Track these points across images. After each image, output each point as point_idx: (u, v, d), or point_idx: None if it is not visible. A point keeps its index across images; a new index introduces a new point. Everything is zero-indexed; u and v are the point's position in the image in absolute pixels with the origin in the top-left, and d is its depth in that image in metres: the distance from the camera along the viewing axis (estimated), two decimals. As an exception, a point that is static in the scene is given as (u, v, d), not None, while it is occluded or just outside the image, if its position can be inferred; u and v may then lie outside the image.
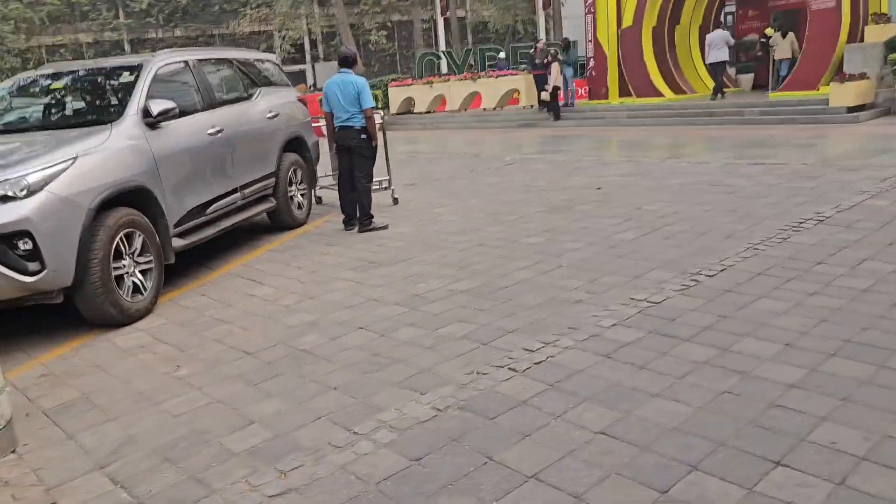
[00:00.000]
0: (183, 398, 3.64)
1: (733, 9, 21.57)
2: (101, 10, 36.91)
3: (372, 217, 7.15)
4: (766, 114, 14.34)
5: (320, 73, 33.09)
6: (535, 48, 19.03)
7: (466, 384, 3.46)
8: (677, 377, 3.34)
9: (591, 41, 18.69)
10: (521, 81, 19.57)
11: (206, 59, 6.53)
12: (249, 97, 7.02)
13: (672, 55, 18.40)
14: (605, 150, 12.25)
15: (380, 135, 7.82)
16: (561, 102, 18.54)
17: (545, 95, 17.96)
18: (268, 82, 7.56)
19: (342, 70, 7.09)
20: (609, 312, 4.24)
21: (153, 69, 5.67)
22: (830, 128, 12.56)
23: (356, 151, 7.05)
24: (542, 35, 26.30)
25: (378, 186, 8.46)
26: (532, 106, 19.32)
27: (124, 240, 4.78)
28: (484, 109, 20.71)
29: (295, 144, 7.61)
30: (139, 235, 4.91)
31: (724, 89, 16.84)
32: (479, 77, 20.60)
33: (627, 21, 17.74)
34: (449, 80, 21.51)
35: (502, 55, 22.73)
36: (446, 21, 28.59)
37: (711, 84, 19.32)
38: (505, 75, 19.96)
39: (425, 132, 20.26)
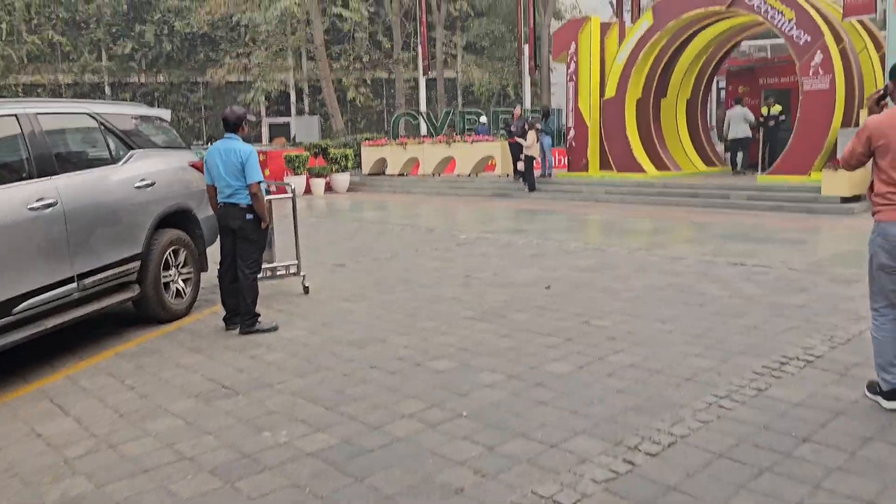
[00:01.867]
0: None
1: (724, 84, 20.78)
2: (83, 52, 36.14)
3: (256, 317, 5.78)
4: (753, 199, 13.19)
5: (298, 127, 32.15)
6: (513, 114, 18.03)
7: None
8: None
9: (572, 110, 17.70)
10: (498, 148, 18.51)
11: (51, 114, 5.25)
12: (115, 161, 5.72)
13: (657, 129, 17.41)
14: (573, 232, 11.00)
15: (268, 213, 6.50)
16: (538, 172, 17.45)
17: (521, 165, 16.88)
18: (149, 143, 6.27)
19: (227, 135, 5.79)
20: (491, 523, 2.85)
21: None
22: (823, 220, 11.38)
23: (240, 234, 5.73)
24: (527, 101, 25.46)
25: (285, 272, 7.14)
26: (508, 175, 18.21)
27: None
28: (458, 175, 19.60)
29: (178, 219, 6.29)
30: None
31: (723, 166, 16.23)
32: (453, 141, 19.54)
33: (610, 91, 16.78)
34: (423, 142, 20.46)
35: (483, 119, 21.77)
36: (429, 81, 27.80)
37: (697, 161, 18.38)
38: (481, 141, 18.90)
39: (394, 196, 19.09)
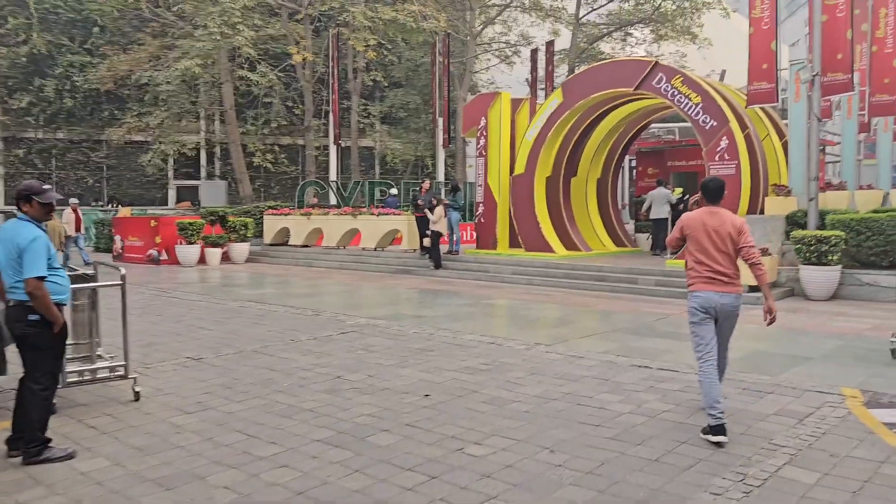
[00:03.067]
0: None
1: (634, 163, 20.82)
2: (-26, 104, 33.84)
3: (46, 443, 4.53)
4: (661, 284, 12.71)
5: (204, 192, 30.70)
6: (421, 187, 17.34)
7: None
8: None
9: (481, 186, 17.14)
10: (404, 222, 17.70)
11: None
12: None
13: (567, 208, 17.01)
14: (472, 320, 10.12)
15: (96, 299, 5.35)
16: (445, 248, 16.70)
17: (427, 241, 16.10)
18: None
19: (19, 215, 4.61)
20: None
21: None
22: (731, 310, 10.89)
23: (25, 341, 4.52)
24: (441, 174, 24.97)
25: (109, 374, 5.90)
26: (415, 250, 17.37)
27: None
28: (363, 249, 18.64)
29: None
30: None
31: (633, 246, 15.88)
32: (359, 213, 18.65)
33: (520, 168, 16.33)
34: (328, 213, 19.48)
35: (394, 191, 21.01)
36: (344, 149, 27.06)
37: (608, 241, 18.06)
38: (388, 214, 18.07)
39: (294, 270, 17.91)
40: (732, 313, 5.20)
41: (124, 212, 23.14)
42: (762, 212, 13.77)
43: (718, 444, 4.71)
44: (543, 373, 6.79)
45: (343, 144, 33.68)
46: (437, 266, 15.95)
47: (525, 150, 16.24)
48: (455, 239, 16.93)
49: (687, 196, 16.28)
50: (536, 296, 12.61)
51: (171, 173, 35.58)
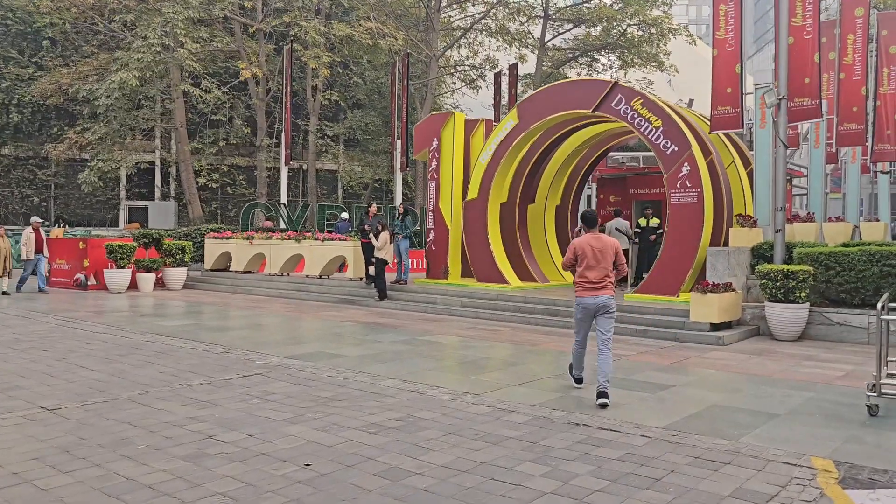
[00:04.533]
0: None
1: (594, 191, 19.97)
2: (-90, 120, 32.18)
3: None
4: (617, 320, 11.66)
5: (153, 213, 29.29)
6: (368, 212, 16.26)
7: None
8: None
9: (432, 211, 16.10)
10: (350, 249, 16.55)
11: None
12: None
13: (523, 236, 16.03)
14: (400, 361, 8.98)
15: None
16: (394, 276, 15.61)
17: (373, 269, 15.00)
18: None
19: None
20: None
21: None
22: (689, 350, 9.90)
23: None
24: (398, 198, 23.92)
25: None
26: (361, 279, 16.22)
27: None
28: (307, 276, 17.43)
29: None
30: None
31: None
32: (303, 238, 17.48)
33: (472, 192, 15.32)
34: (271, 237, 18.28)
35: (345, 215, 19.92)
36: (302, 172, 25.91)
37: (567, 273, 17.06)
38: (332, 240, 16.92)
39: (230, 298, 16.66)
40: (608, 308, 6.96)
41: (56, 233, 21.66)
42: (726, 243, 12.89)
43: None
44: (462, 432, 5.68)
45: (300, 167, 32.63)
46: (382, 296, 14.82)
47: (478, 174, 15.25)
48: (404, 267, 15.84)
49: (660, 229, 15.45)
50: (482, 331, 11.53)
51: (122, 193, 34.13)
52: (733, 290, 11.34)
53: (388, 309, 14.41)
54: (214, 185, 28.87)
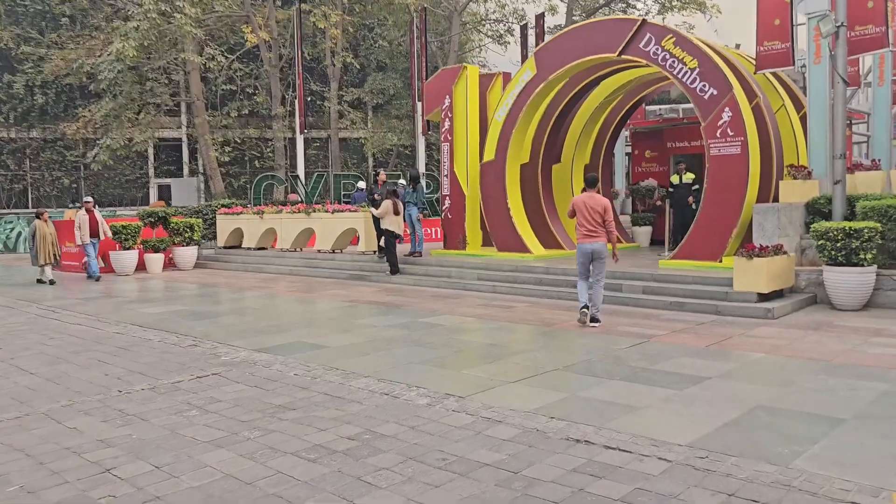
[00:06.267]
0: None
1: (629, 149, 18.31)
2: (-57, 104, 31.94)
3: None
4: (649, 292, 10.26)
5: (177, 190, 28.55)
6: (377, 180, 14.99)
7: None
8: None
9: (447, 176, 14.73)
10: (361, 220, 15.32)
11: None
12: None
13: (548, 200, 14.57)
14: (384, 351, 7.76)
15: None
16: (408, 248, 14.41)
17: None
18: None
19: None
20: None
21: None
22: (731, 328, 8.42)
23: None
24: (422, 165, 22.56)
25: None
26: (374, 252, 15.02)
27: None
28: (318, 251, 16.32)
29: None
30: None
31: (629, 242, 13.81)
32: (313, 210, 16.33)
33: (489, 154, 13.89)
34: (281, 211, 17.18)
35: (361, 184, 18.66)
36: (323, 140, 24.75)
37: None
38: (343, 211, 15.71)
39: (238, 277, 15.70)
40: (599, 255, 8.47)
41: (69, 214, 20.99)
42: (776, 199, 11.25)
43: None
44: (426, 457, 4.43)
45: (328, 136, 31.42)
46: (394, 271, 13.61)
47: (495, 133, 13.80)
48: (418, 238, 14.57)
49: (695, 185, 13.90)
50: (495, 308, 10.22)
51: (151, 171, 33.60)
52: (784, 252, 9.76)
53: (399, 284, 13.21)
54: (227, 159, 27.88)
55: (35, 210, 17.85)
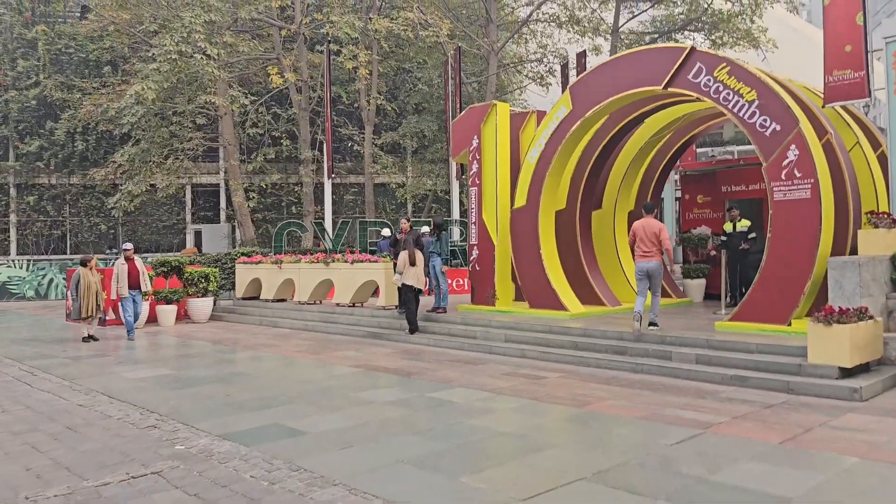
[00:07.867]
0: None
1: (678, 194, 16.75)
2: (-13, 150, 32.19)
3: None
4: (704, 361, 8.64)
5: (205, 237, 27.88)
6: (401, 228, 13.75)
7: None
8: None
9: (475, 223, 13.40)
10: (381, 272, 14.04)
11: None
12: None
13: (587, 250, 13.10)
14: (376, 441, 6.35)
15: None
16: (431, 304, 13.06)
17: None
18: None
19: None
20: None
21: None
22: (811, 412, 6.77)
23: None
24: (455, 211, 21.31)
25: None
26: (395, 307, 13.68)
27: None
28: (337, 304, 15.07)
29: None
30: None
31: (680, 297, 12.56)
32: (332, 261, 15.14)
33: (520, 199, 12.55)
34: (300, 260, 16.06)
35: (386, 232, 17.51)
36: (357, 186, 23.78)
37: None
38: (363, 261, 14.47)
39: (253, 331, 14.55)
40: (656, 270, 9.78)
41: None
42: (854, 251, 9.58)
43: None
44: None
45: (354, 180, 30.57)
46: (413, 330, 12.23)
47: (527, 176, 12.46)
48: (442, 293, 13.20)
49: (752, 234, 12.35)
50: (521, 379, 8.73)
51: (188, 217, 33.21)
52: (870, 317, 8.07)
53: (418, 345, 11.82)
54: (260, 205, 27.16)
55: (80, 256, 16.68)
